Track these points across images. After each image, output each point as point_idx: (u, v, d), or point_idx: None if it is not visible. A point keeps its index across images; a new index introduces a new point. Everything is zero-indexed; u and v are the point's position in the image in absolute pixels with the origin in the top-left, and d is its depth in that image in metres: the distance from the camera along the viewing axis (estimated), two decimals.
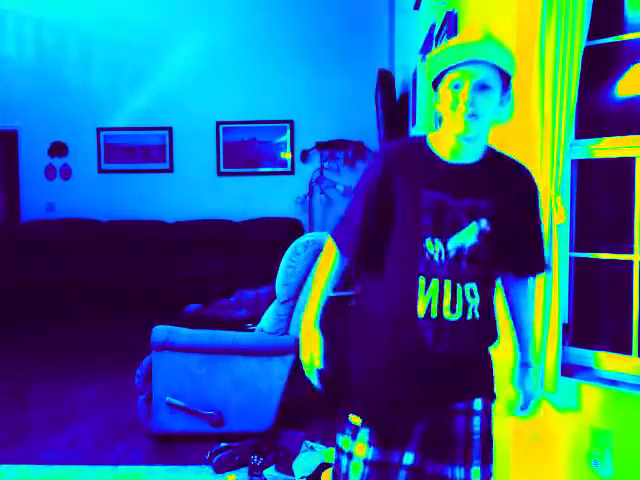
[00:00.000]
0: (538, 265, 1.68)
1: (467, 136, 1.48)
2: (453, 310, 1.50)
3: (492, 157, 1.57)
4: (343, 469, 1.58)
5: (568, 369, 2.33)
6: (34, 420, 3.76)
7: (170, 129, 7.49)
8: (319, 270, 1.68)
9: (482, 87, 1.45)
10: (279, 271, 3.46)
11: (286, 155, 7.43)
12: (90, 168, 7.57)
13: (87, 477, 2.98)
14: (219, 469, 2.98)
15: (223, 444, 3.11)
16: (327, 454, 2.99)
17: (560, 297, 2.25)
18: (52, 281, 6.74)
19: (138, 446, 3.33)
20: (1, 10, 7.39)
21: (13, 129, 7.53)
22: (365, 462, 1.55)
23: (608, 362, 2.32)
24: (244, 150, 7.46)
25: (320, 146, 7.23)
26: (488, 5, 2.47)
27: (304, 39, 7.21)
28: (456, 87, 1.46)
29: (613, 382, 2.26)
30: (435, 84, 1.54)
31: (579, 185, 2.39)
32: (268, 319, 3.50)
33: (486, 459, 1.61)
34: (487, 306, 1.57)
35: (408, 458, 1.56)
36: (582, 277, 2.43)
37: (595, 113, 2.47)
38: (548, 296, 2.25)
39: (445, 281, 1.49)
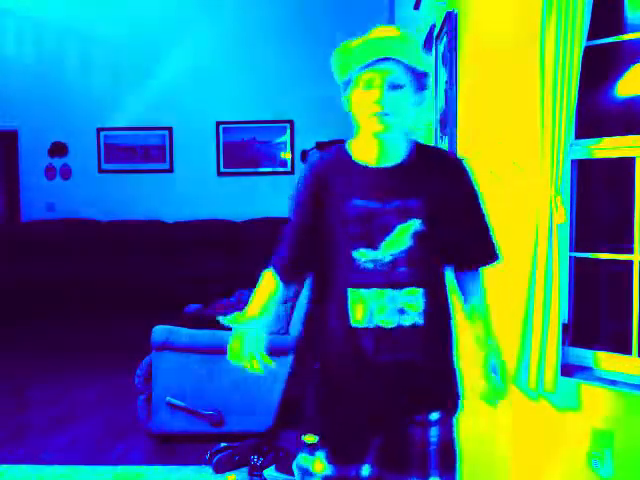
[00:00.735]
0: (488, 255, 1.58)
1: (384, 133, 1.44)
2: (390, 318, 1.45)
3: (417, 154, 1.52)
4: None
5: (568, 369, 2.33)
6: (34, 420, 3.76)
7: (170, 129, 7.49)
8: (256, 292, 1.63)
9: (393, 86, 1.42)
10: None
11: (286, 155, 7.43)
12: (90, 168, 7.57)
13: (87, 477, 2.98)
14: (219, 469, 2.98)
15: (223, 444, 3.11)
16: None
17: (560, 297, 2.25)
18: (52, 281, 6.74)
19: (138, 446, 3.33)
20: (1, 10, 7.39)
21: (13, 129, 7.53)
22: (324, 479, 1.54)
23: (608, 362, 2.32)
24: (244, 150, 7.46)
25: (320, 146, 7.22)
26: (488, 5, 2.47)
27: (304, 39, 7.20)
28: (366, 88, 1.44)
29: (613, 382, 2.26)
30: (345, 85, 1.50)
31: (579, 185, 2.39)
32: None
33: (446, 470, 1.55)
34: (435, 309, 1.50)
35: (365, 470, 1.53)
36: (582, 277, 2.43)
37: (595, 113, 2.47)
38: (548, 296, 2.25)
39: (380, 289, 1.44)
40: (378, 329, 1.45)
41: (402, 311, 1.45)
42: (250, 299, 1.60)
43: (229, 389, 3.32)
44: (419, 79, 1.46)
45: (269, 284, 1.62)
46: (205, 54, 7.32)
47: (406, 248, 1.43)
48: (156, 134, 7.51)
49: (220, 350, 3.33)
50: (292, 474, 2.87)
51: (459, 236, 1.52)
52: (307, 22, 7.17)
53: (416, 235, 1.44)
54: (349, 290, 1.46)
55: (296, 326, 3.41)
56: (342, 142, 1.57)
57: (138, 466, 3.08)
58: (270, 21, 7.21)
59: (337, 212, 1.47)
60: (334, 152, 1.57)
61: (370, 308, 1.45)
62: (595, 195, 2.54)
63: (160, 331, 3.35)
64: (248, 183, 7.45)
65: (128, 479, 2.95)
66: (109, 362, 4.85)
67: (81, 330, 6.07)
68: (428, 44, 3.68)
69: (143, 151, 7.56)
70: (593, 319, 2.58)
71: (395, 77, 1.42)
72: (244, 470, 2.98)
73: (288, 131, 7.39)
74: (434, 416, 1.54)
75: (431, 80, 1.52)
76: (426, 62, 1.50)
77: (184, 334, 3.37)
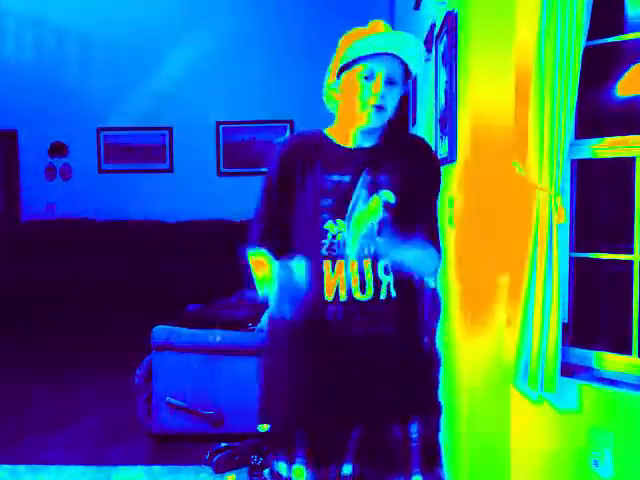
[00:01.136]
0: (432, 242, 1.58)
1: (371, 127, 1.52)
2: (363, 290, 1.46)
3: (390, 137, 1.58)
4: None
5: (568, 369, 2.33)
6: (34, 420, 3.75)
7: (170, 129, 7.49)
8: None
9: (390, 82, 1.48)
10: None
11: None
12: (90, 168, 7.57)
13: (87, 477, 2.98)
14: (219, 469, 2.98)
15: (223, 444, 3.11)
16: None
17: (560, 297, 2.25)
18: (52, 281, 6.74)
19: (138, 446, 3.33)
20: (1, 10, 7.39)
21: (13, 129, 7.53)
22: None
23: (608, 362, 2.32)
24: (244, 150, 7.46)
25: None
26: (488, 5, 2.47)
27: (304, 39, 7.20)
28: (367, 79, 1.48)
29: (613, 382, 2.26)
30: (338, 71, 1.54)
31: (579, 185, 2.39)
32: None
33: (428, 467, 1.54)
34: (407, 282, 1.51)
35: (347, 469, 1.51)
36: (582, 277, 2.43)
37: (595, 113, 2.47)
38: (548, 296, 2.24)
39: (351, 261, 1.45)
40: (352, 302, 1.45)
41: (376, 283, 1.46)
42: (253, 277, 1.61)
43: (229, 389, 3.32)
44: (407, 79, 1.54)
45: (260, 258, 1.60)
46: (205, 54, 7.32)
47: (378, 220, 1.40)
48: (156, 134, 7.50)
49: (220, 350, 3.36)
50: None
51: (415, 216, 1.54)
52: (307, 22, 7.17)
53: (387, 207, 1.41)
54: (323, 261, 1.47)
55: None
56: None
57: (138, 466, 3.08)
58: (270, 21, 7.21)
59: (313, 187, 1.51)
60: (312, 135, 1.63)
61: (343, 280, 1.46)
62: (595, 195, 2.54)
63: (160, 331, 3.35)
64: (248, 183, 7.41)
65: (128, 479, 2.95)
66: (109, 362, 4.85)
67: (81, 330, 6.07)
68: (428, 44, 3.68)
69: (143, 151, 7.55)
70: (593, 319, 2.58)
71: (394, 74, 1.48)
72: (244, 470, 2.98)
73: (288, 131, 7.39)
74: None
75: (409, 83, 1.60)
76: (420, 66, 1.57)
77: (184, 334, 3.37)
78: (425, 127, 4.05)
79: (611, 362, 2.32)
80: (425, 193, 1.59)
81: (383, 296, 1.46)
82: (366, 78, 1.48)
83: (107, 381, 4.39)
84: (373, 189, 1.44)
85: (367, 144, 1.56)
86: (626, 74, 2.47)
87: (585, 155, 2.33)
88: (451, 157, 2.80)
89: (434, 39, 3.28)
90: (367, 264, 1.46)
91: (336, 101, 1.59)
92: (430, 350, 1.62)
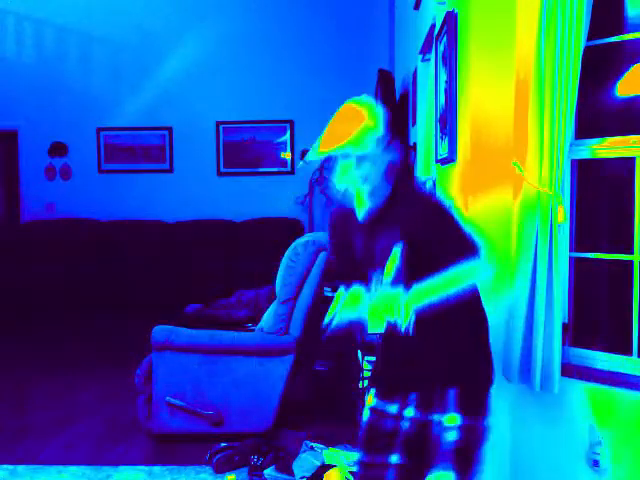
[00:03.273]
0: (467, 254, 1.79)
1: (368, 194, 1.81)
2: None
3: (393, 196, 1.83)
4: (363, 416, 1.97)
5: (568, 369, 2.33)
6: (34, 420, 3.76)
7: (170, 129, 7.49)
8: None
9: (358, 164, 1.77)
10: (279, 271, 3.46)
11: (286, 155, 7.43)
12: (90, 168, 7.58)
13: (87, 477, 2.98)
14: (219, 469, 2.98)
15: (223, 444, 3.11)
16: (327, 454, 2.99)
17: (560, 297, 2.25)
18: (52, 281, 6.75)
19: (138, 446, 3.33)
20: (1, 10, 7.40)
21: (13, 129, 7.53)
22: (369, 408, 1.93)
23: (608, 362, 2.32)
24: (244, 150, 7.46)
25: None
26: (488, 5, 2.47)
27: (304, 39, 7.21)
28: (340, 169, 1.81)
29: (613, 382, 2.26)
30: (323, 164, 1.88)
31: (579, 185, 2.39)
32: (268, 319, 3.50)
33: (461, 471, 1.78)
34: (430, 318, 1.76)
35: (409, 412, 1.84)
36: (582, 277, 2.43)
37: (595, 113, 2.47)
38: (548, 296, 2.25)
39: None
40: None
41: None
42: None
43: (229, 389, 3.32)
44: (381, 140, 1.80)
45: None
46: (205, 54, 7.33)
47: (399, 266, 1.74)
48: (156, 134, 7.51)
49: (220, 350, 3.36)
50: (292, 474, 2.87)
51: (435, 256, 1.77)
52: (307, 22, 7.18)
53: (401, 256, 1.74)
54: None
55: (296, 326, 3.41)
56: None
57: (138, 466, 3.08)
58: (270, 21, 7.21)
59: (353, 245, 1.92)
60: (347, 207, 1.97)
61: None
62: (595, 195, 2.54)
63: (160, 331, 3.35)
64: (248, 183, 7.45)
65: (128, 479, 2.96)
66: (109, 362, 4.85)
67: (81, 330, 6.08)
68: (428, 44, 3.68)
69: (143, 151, 7.56)
70: (593, 319, 2.58)
71: (356, 160, 1.77)
72: (244, 470, 2.98)
73: (288, 131, 7.39)
74: (454, 420, 1.77)
75: (386, 134, 1.83)
76: (379, 133, 1.80)
77: (184, 334, 3.37)
78: (425, 127, 4.05)
79: (611, 362, 2.32)
80: (433, 231, 1.78)
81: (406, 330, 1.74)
82: (339, 169, 1.81)
83: (107, 381, 4.40)
84: (388, 249, 1.76)
85: (372, 207, 1.84)
86: (626, 74, 2.47)
87: (585, 155, 2.33)
88: (451, 157, 2.80)
89: (434, 39, 3.28)
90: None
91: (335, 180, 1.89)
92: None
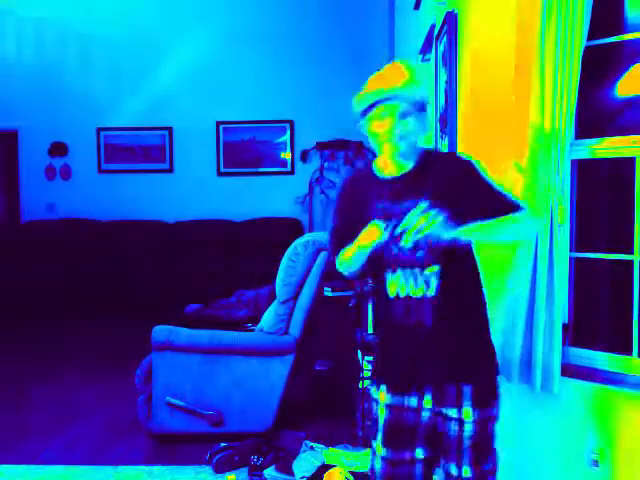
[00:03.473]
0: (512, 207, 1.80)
1: (398, 154, 1.80)
2: (416, 288, 1.81)
3: (424, 160, 1.85)
4: (375, 412, 1.93)
5: (568, 369, 2.33)
6: (34, 420, 3.76)
7: (170, 129, 7.49)
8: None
9: (402, 115, 1.75)
10: (279, 271, 3.46)
11: (286, 155, 7.43)
12: (90, 168, 7.57)
13: (87, 477, 2.98)
14: (219, 469, 2.98)
15: (223, 444, 3.11)
16: (327, 454, 2.99)
17: (560, 297, 2.25)
18: (52, 281, 6.74)
19: (138, 446, 3.33)
20: (1, 10, 7.39)
21: (13, 129, 7.53)
22: (385, 405, 1.89)
23: (608, 362, 2.32)
24: (244, 150, 7.46)
25: (320, 146, 7.23)
26: (488, 5, 2.47)
27: (304, 39, 7.21)
28: (382, 117, 1.77)
29: (613, 382, 2.26)
30: (362, 114, 1.84)
31: (579, 185, 2.39)
32: (268, 319, 3.50)
33: (478, 463, 1.81)
34: (454, 284, 1.80)
35: (428, 402, 1.83)
36: (582, 277, 2.43)
37: (595, 113, 2.47)
38: (548, 296, 2.25)
39: (406, 269, 1.80)
40: (408, 298, 1.81)
41: (426, 284, 1.79)
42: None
43: (229, 389, 3.32)
44: (421, 105, 1.79)
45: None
46: (205, 54, 7.32)
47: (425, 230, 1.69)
48: (156, 134, 7.51)
49: (220, 350, 3.36)
50: (292, 474, 2.87)
51: (479, 212, 1.75)
52: (307, 22, 7.17)
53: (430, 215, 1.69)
54: (387, 269, 1.84)
55: (296, 326, 3.41)
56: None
57: (138, 466, 3.08)
58: (270, 21, 7.21)
59: (369, 213, 1.83)
60: (363, 169, 1.97)
61: (401, 283, 1.81)
62: (595, 195, 2.54)
63: (160, 331, 3.35)
64: (248, 183, 7.45)
65: (128, 479, 2.96)
66: (109, 362, 4.85)
67: (81, 330, 6.08)
68: (428, 44, 3.68)
69: (143, 151, 7.56)
70: (593, 319, 2.58)
71: (403, 110, 1.75)
72: (244, 470, 2.98)
73: (288, 131, 7.39)
74: (469, 415, 1.78)
75: (429, 103, 1.83)
76: (425, 93, 1.80)
77: (184, 334, 3.37)
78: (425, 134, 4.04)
79: (611, 362, 2.32)
80: (470, 186, 1.79)
81: (432, 294, 1.79)
82: (380, 117, 1.77)
83: (107, 381, 4.40)
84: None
85: (403, 171, 1.82)
86: (626, 74, 2.47)
87: (585, 155, 2.33)
88: None
89: (434, 39, 3.28)
90: (418, 270, 1.79)
91: (370, 135, 1.84)
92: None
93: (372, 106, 1.79)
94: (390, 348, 1.92)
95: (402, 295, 1.83)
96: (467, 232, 1.70)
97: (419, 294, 1.80)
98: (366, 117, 1.83)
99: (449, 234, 1.66)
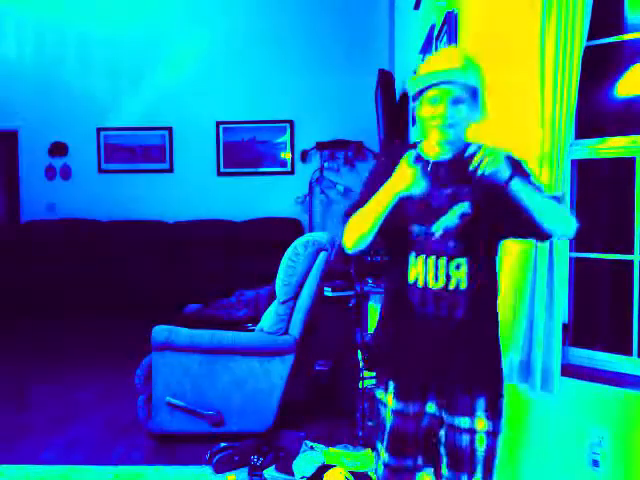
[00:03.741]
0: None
1: (445, 141, 1.73)
2: (436, 280, 1.75)
3: (469, 150, 1.76)
4: (382, 414, 1.88)
5: (568, 369, 2.33)
6: (34, 420, 3.75)
7: (170, 129, 7.49)
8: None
9: (455, 101, 1.69)
10: (279, 271, 3.46)
11: (286, 155, 7.43)
12: (90, 168, 7.57)
13: (87, 477, 2.98)
14: (219, 469, 2.98)
15: (223, 444, 3.11)
16: (327, 454, 2.99)
17: (560, 297, 2.25)
18: (52, 281, 6.74)
19: (138, 446, 3.33)
20: (1, 11, 7.40)
21: (13, 129, 7.53)
22: (392, 411, 1.84)
23: (608, 362, 2.32)
24: (244, 150, 7.46)
25: (320, 146, 7.23)
26: (488, 5, 2.47)
27: (304, 39, 7.21)
28: (434, 102, 1.71)
29: (613, 382, 2.27)
30: (415, 96, 1.78)
31: (579, 185, 2.39)
32: (268, 319, 3.50)
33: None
34: (478, 278, 1.74)
35: (430, 407, 1.80)
36: (582, 277, 2.43)
37: (595, 113, 2.47)
38: (548, 296, 2.25)
39: (429, 257, 1.75)
40: (426, 289, 1.75)
41: (447, 276, 1.74)
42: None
43: (229, 389, 3.32)
44: (475, 92, 1.73)
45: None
46: (205, 54, 7.33)
47: (454, 225, 1.72)
48: (156, 134, 7.51)
49: (220, 350, 3.36)
50: (292, 474, 2.87)
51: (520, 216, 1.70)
52: (307, 22, 7.18)
53: (463, 216, 1.72)
54: (409, 255, 1.78)
55: (296, 326, 3.41)
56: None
57: (138, 466, 3.08)
58: (270, 21, 7.21)
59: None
60: (407, 149, 1.85)
61: (421, 271, 1.76)
62: (595, 195, 2.54)
63: (160, 331, 3.35)
64: (248, 183, 7.45)
65: (128, 479, 2.96)
66: (109, 362, 4.85)
67: (81, 330, 6.08)
68: (428, 44, 3.68)
69: (143, 151, 7.56)
70: (593, 319, 2.58)
71: (457, 95, 1.69)
72: (244, 470, 2.98)
73: (288, 131, 7.39)
74: (484, 425, 1.75)
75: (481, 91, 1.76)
76: (480, 80, 1.74)
77: (184, 334, 3.37)
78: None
79: (611, 362, 2.32)
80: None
81: (452, 287, 1.74)
82: (432, 102, 1.71)
83: (107, 381, 4.40)
84: (454, 200, 1.73)
85: (448, 156, 1.75)
86: (626, 74, 2.47)
87: (585, 155, 2.34)
88: None
89: (434, 39, 3.28)
90: (443, 260, 1.74)
91: (420, 118, 1.78)
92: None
93: (426, 89, 1.72)
94: (404, 340, 1.82)
95: (427, 284, 1.75)
96: (520, 183, 1.66)
97: (440, 286, 1.73)
98: (418, 100, 1.75)
99: (505, 172, 1.63)
